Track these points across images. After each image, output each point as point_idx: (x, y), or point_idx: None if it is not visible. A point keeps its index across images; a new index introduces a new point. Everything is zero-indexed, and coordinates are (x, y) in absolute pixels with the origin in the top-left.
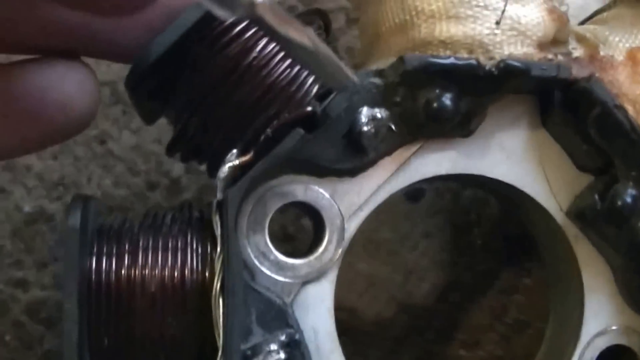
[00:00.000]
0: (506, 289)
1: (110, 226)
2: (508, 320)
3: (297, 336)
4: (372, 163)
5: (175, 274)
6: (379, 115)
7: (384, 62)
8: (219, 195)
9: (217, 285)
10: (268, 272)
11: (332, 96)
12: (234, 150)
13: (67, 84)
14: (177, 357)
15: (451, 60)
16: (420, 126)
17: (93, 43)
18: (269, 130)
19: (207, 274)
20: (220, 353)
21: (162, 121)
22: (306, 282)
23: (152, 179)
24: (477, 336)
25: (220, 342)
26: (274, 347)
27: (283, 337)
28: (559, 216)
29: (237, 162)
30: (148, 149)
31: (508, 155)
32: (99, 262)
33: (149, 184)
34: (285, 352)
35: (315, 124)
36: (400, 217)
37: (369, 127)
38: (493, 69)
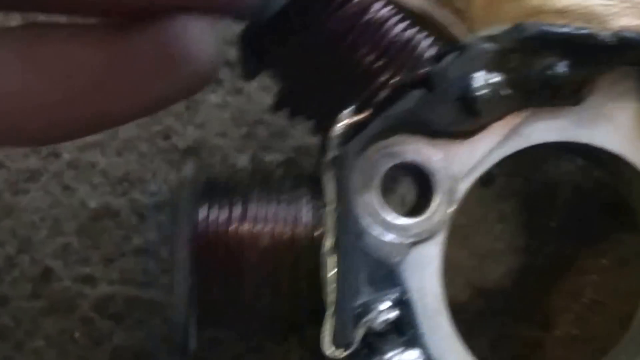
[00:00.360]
0: (582, 269)
1: (220, 179)
2: (584, 300)
3: (406, 296)
4: (484, 127)
5: (286, 229)
6: (493, 80)
7: (496, 29)
8: (332, 153)
9: (327, 242)
10: (377, 232)
11: (449, 57)
12: (349, 109)
13: (188, 37)
14: (285, 313)
15: (568, 29)
16: (532, 93)
17: None
18: (386, 90)
19: (317, 232)
20: (330, 311)
21: (225, 115)
22: (415, 243)
23: (216, 170)
24: (553, 317)
25: (328, 301)
26: (384, 305)
27: (393, 296)
28: None
29: (352, 119)
30: (212, 143)
31: (616, 126)
32: (209, 215)
33: (213, 177)
34: (396, 310)
35: (432, 85)
36: (473, 202)
37: (484, 91)
38: (610, 40)
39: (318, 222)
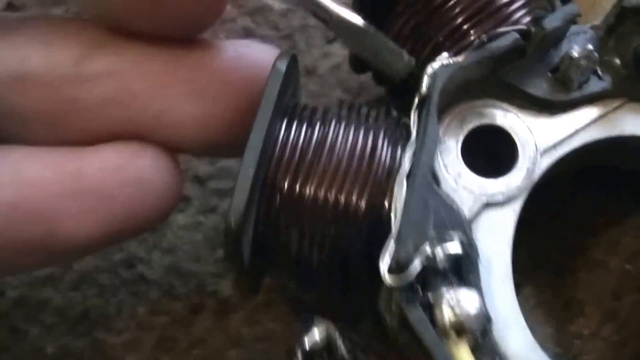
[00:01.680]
0: None
1: (305, 105)
2: None
3: (473, 242)
4: (573, 105)
5: (366, 149)
6: (591, 53)
7: (598, 20)
8: (425, 90)
9: (404, 168)
10: (454, 184)
11: (550, 24)
12: (445, 53)
13: (141, 162)
14: (345, 231)
15: None
16: (628, 80)
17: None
18: (484, 36)
19: (397, 161)
20: (391, 236)
21: (198, 237)
22: (489, 204)
23: (194, 302)
24: None
25: (394, 228)
26: (450, 239)
27: (458, 236)
28: None
29: (448, 61)
30: (186, 269)
31: None
32: (289, 126)
33: (192, 308)
34: (460, 249)
35: (528, 46)
36: None
37: (580, 57)
38: None
39: (397, 151)
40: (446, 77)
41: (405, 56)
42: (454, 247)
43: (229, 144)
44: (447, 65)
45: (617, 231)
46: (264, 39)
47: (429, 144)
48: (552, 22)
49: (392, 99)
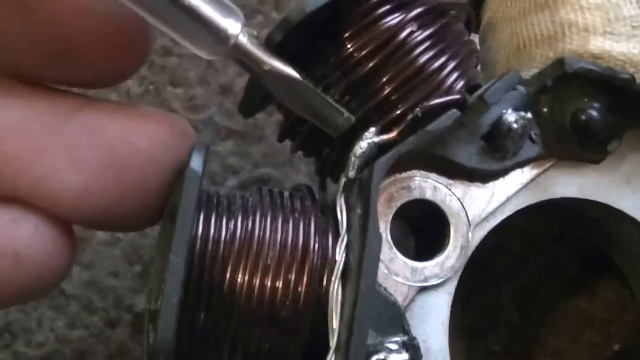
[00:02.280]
0: None
1: (218, 195)
2: None
3: (415, 342)
4: (505, 172)
5: (297, 246)
6: (526, 117)
7: (526, 74)
8: (352, 173)
9: (338, 269)
10: (386, 270)
11: (481, 92)
12: (372, 128)
13: (20, 231)
14: (283, 344)
15: (610, 71)
16: (560, 140)
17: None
18: (418, 110)
19: (329, 255)
20: (332, 349)
21: (115, 252)
22: (424, 288)
23: (112, 316)
24: None
25: (333, 338)
26: (394, 346)
27: (401, 340)
28: None
29: (378, 139)
30: (104, 284)
31: (633, 190)
32: (207, 226)
33: (109, 321)
34: (406, 354)
35: (464, 111)
36: None
37: (517, 127)
38: None
39: (328, 248)
40: (386, 170)
41: (345, 112)
42: (400, 355)
43: (119, 221)
44: (387, 155)
45: (527, 250)
46: (182, 57)
47: (373, 249)
48: (494, 96)
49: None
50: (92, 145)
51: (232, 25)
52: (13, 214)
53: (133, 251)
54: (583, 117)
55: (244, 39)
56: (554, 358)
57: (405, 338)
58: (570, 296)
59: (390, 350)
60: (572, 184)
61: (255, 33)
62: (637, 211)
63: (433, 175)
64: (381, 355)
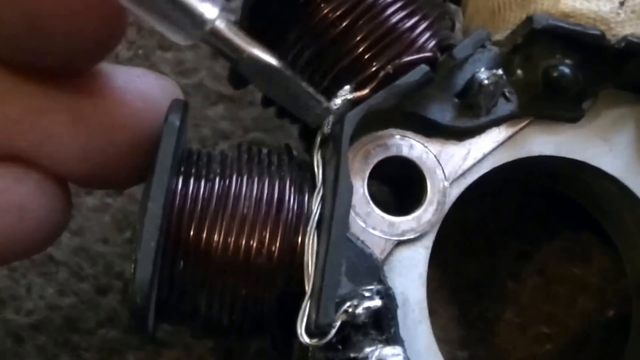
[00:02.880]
0: (524, 358)
1: (199, 151)
2: None
3: (390, 291)
4: (481, 130)
5: (273, 200)
6: (497, 74)
7: (500, 35)
8: (327, 129)
9: (314, 219)
10: (363, 224)
11: (455, 51)
12: (347, 86)
13: (23, 186)
14: (258, 294)
15: (579, 27)
16: (534, 99)
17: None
18: (389, 67)
19: (305, 208)
20: (307, 295)
21: (105, 219)
22: (401, 242)
23: (102, 282)
24: None
25: (309, 285)
26: (368, 293)
27: (376, 288)
28: None
29: (351, 96)
30: (94, 251)
31: (611, 147)
32: (186, 181)
33: (99, 288)
34: (380, 301)
35: (435, 70)
36: None
37: (489, 83)
38: (618, 44)
39: (304, 198)
40: (356, 123)
41: (324, 102)
42: (372, 302)
43: (113, 179)
44: (356, 109)
45: (519, 215)
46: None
47: (344, 197)
48: (462, 51)
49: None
50: (91, 107)
51: (209, 10)
52: (16, 172)
53: (123, 217)
54: (554, 74)
55: (221, 25)
56: (548, 324)
57: (379, 287)
58: (565, 263)
59: (364, 297)
60: (549, 142)
61: (233, 18)
62: (614, 169)
63: (410, 134)
64: (355, 302)
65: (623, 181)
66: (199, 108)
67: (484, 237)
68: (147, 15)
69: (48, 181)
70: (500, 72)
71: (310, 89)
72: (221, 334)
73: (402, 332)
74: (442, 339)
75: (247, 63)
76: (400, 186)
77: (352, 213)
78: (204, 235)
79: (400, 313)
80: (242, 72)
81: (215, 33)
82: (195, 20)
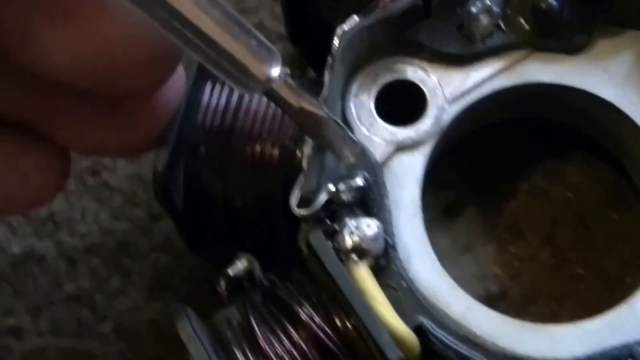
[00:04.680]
0: (556, 296)
1: None
2: None
3: (379, 180)
4: (480, 57)
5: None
6: (490, 8)
7: None
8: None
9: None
10: (367, 132)
11: None
12: (355, 16)
13: (28, 158)
14: (263, 178)
15: None
16: (531, 31)
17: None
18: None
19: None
20: (304, 170)
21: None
22: (400, 149)
23: (155, 209)
24: None
25: (305, 162)
26: (355, 176)
27: (363, 173)
28: None
29: (360, 20)
30: (149, 178)
31: (610, 77)
32: (212, 90)
33: (153, 215)
34: (365, 181)
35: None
36: (439, 233)
37: (478, 13)
38: None
39: None
40: (350, 35)
41: (359, 148)
42: (357, 181)
43: (104, 85)
44: (351, 28)
45: (562, 160)
46: None
47: (331, 92)
48: None
49: (307, 59)
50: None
51: (267, 71)
52: (23, 143)
53: None
54: (542, 6)
55: (278, 84)
56: (583, 267)
57: (368, 175)
58: (606, 209)
59: (356, 175)
60: (547, 70)
61: (289, 71)
62: (613, 96)
63: (415, 61)
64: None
65: (622, 109)
66: None
67: (525, 180)
68: (210, 68)
69: (51, 152)
70: (488, 2)
71: (349, 133)
72: (234, 221)
73: (395, 224)
74: (477, 275)
75: (298, 114)
76: (405, 110)
77: (357, 123)
78: (226, 129)
79: (395, 208)
80: (291, 119)
81: (271, 90)
82: (253, 80)
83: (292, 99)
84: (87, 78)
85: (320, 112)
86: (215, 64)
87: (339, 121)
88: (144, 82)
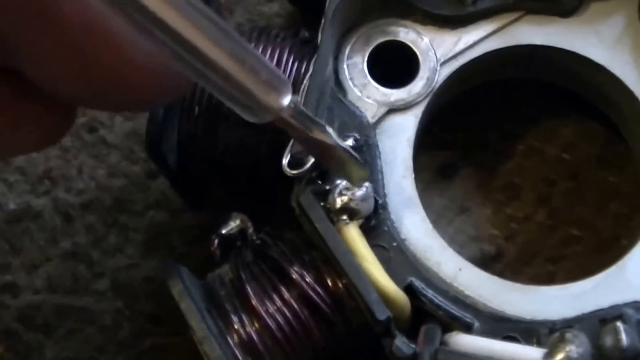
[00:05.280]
0: (552, 257)
1: None
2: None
3: (370, 141)
4: (472, 19)
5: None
6: None
7: None
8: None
9: (307, 78)
10: (359, 93)
11: None
12: None
13: (20, 108)
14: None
15: None
16: None
17: None
18: None
19: (301, 73)
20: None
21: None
22: (392, 110)
23: (152, 166)
24: None
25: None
26: (350, 140)
27: (353, 135)
28: None
29: None
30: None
31: (601, 39)
32: None
33: (149, 172)
34: (355, 142)
35: None
36: (435, 194)
37: None
38: None
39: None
40: None
41: (366, 171)
42: (347, 142)
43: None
44: None
45: (556, 121)
46: None
47: (323, 53)
48: None
49: (305, 21)
50: None
51: (278, 101)
52: (15, 91)
53: None
54: None
55: (288, 112)
56: (577, 226)
57: (359, 136)
58: (600, 169)
59: (347, 137)
60: (539, 32)
61: (299, 99)
62: (605, 59)
63: (407, 22)
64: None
65: (613, 71)
66: (255, 4)
67: (520, 141)
68: (220, 97)
69: (44, 103)
70: None
71: (357, 157)
72: (228, 176)
73: (387, 184)
74: (473, 236)
75: (307, 140)
76: (397, 73)
77: (350, 84)
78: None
79: (386, 168)
80: (300, 145)
81: (280, 119)
82: (262, 109)
83: (301, 127)
84: (97, 103)
85: (329, 140)
86: (224, 92)
87: (348, 147)
88: (154, 103)
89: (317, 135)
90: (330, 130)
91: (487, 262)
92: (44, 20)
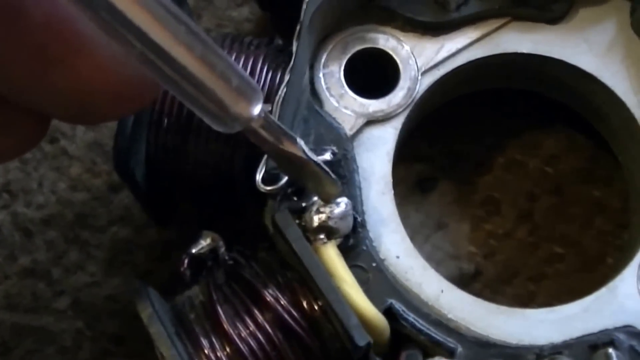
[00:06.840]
0: (533, 276)
1: None
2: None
3: (348, 155)
4: (455, 26)
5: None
6: None
7: None
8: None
9: (282, 89)
10: (336, 104)
11: None
12: None
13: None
14: (225, 150)
15: None
16: (505, 0)
17: None
18: None
19: (275, 82)
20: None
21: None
22: (371, 122)
23: (115, 179)
24: None
25: None
26: (328, 153)
27: (331, 148)
28: (637, 111)
29: None
30: (109, 146)
31: (590, 47)
32: None
33: (112, 185)
34: (332, 156)
35: None
36: (412, 209)
37: None
38: None
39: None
40: (319, 1)
41: (337, 182)
42: (325, 156)
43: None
44: None
45: (540, 133)
46: None
47: (299, 61)
48: None
49: (276, 27)
50: None
51: (248, 109)
52: None
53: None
54: None
55: (258, 122)
56: (560, 244)
57: (336, 149)
58: (585, 184)
59: (324, 151)
60: (526, 40)
61: (269, 109)
62: (594, 68)
63: (387, 29)
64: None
65: (602, 80)
66: (224, 9)
67: (500, 154)
68: (188, 104)
69: (14, 113)
70: None
71: (329, 172)
72: (198, 192)
73: (365, 201)
74: (450, 254)
75: (276, 152)
76: (376, 83)
77: (327, 94)
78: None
79: (364, 184)
80: (268, 156)
81: (249, 129)
82: (231, 118)
83: (271, 138)
84: (60, 110)
85: (299, 152)
86: (193, 99)
87: (319, 161)
88: (120, 112)
89: (288, 147)
90: (301, 142)
91: (466, 281)
92: (5, 16)
